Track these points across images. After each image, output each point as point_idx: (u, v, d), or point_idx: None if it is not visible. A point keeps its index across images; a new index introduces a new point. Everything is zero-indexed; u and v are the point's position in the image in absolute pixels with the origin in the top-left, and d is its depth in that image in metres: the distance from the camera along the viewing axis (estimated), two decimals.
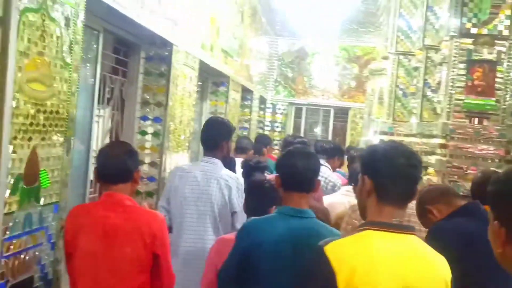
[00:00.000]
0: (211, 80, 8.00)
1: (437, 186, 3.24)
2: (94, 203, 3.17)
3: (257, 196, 3.16)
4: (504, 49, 5.53)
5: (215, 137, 3.91)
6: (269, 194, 3.08)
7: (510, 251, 1.39)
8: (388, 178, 1.93)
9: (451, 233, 2.78)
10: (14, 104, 2.45)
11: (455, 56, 5.67)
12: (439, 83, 6.13)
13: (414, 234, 1.93)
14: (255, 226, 2.59)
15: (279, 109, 14.24)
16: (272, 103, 14.15)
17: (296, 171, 2.59)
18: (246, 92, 10.31)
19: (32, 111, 2.64)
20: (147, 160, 4.99)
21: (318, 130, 14.47)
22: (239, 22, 8.74)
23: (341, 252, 1.83)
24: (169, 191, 3.87)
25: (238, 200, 3.75)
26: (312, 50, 14.12)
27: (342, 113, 14.15)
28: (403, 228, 1.91)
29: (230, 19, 7.88)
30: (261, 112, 13.48)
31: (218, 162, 3.87)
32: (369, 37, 12.93)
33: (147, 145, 5.01)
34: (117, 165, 2.73)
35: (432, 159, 5.74)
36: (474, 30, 5.62)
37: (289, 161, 2.66)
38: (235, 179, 3.88)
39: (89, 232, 2.65)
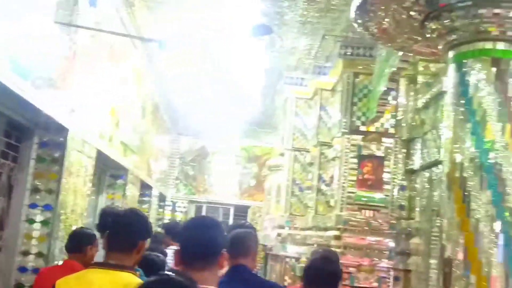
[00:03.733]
0: (108, 172, 7.82)
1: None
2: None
3: None
4: (390, 145, 5.92)
5: None
6: None
7: None
8: (111, 234, 2.56)
9: None
10: None
11: (346, 152, 5.99)
12: (332, 177, 6.39)
13: (131, 272, 2.49)
14: None
15: (179, 206, 14.09)
16: (172, 201, 14.00)
17: None
18: (145, 188, 10.16)
19: None
20: (34, 250, 4.69)
21: None
22: (141, 117, 8.76)
23: (66, 284, 2.48)
24: None
25: None
26: (213, 150, 14.34)
27: (242, 211, 14.24)
28: (118, 267, 2.47)
29: (132, 113, 7.87)
30: (160, 210, 13.24)
31: None
32: (268, 138, 13.40)
33: (35, 234, 4.72)
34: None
35: None
36: (363, 128, 6.00)
37: None
38: None
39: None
